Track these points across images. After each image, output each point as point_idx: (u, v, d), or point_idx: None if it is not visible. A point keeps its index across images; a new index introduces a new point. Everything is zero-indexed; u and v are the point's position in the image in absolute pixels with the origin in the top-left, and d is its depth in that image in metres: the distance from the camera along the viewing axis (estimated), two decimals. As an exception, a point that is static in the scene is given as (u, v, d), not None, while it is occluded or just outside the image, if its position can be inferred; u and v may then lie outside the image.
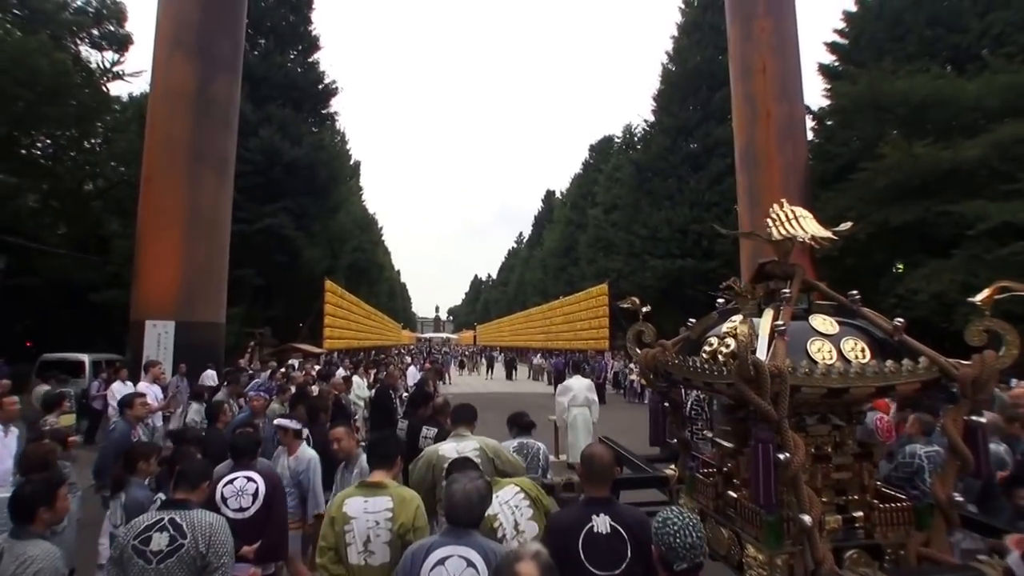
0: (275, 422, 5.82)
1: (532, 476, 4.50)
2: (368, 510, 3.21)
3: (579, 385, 11.40)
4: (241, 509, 4.00)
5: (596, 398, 11.33)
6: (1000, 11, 17.97)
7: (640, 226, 31.37)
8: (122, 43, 24.41)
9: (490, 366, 41.06)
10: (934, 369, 2.67)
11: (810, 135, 20.64)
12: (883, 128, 17.75)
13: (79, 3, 23.91)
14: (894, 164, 16.09)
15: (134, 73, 25.68)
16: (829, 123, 21.30)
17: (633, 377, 24.56)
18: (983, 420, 2.59)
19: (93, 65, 23.71)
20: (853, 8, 22.27)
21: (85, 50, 23.88)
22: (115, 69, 24.25)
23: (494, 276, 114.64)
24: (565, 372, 29.27)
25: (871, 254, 16.87)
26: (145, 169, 16.58)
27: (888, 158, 16.27)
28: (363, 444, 4.81)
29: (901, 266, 16.72)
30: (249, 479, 4.10)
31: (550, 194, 73.18)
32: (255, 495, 4.05)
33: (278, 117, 25.48)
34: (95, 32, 24.02)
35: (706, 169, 29.57)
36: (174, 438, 5.28)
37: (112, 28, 24.24)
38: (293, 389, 9.07)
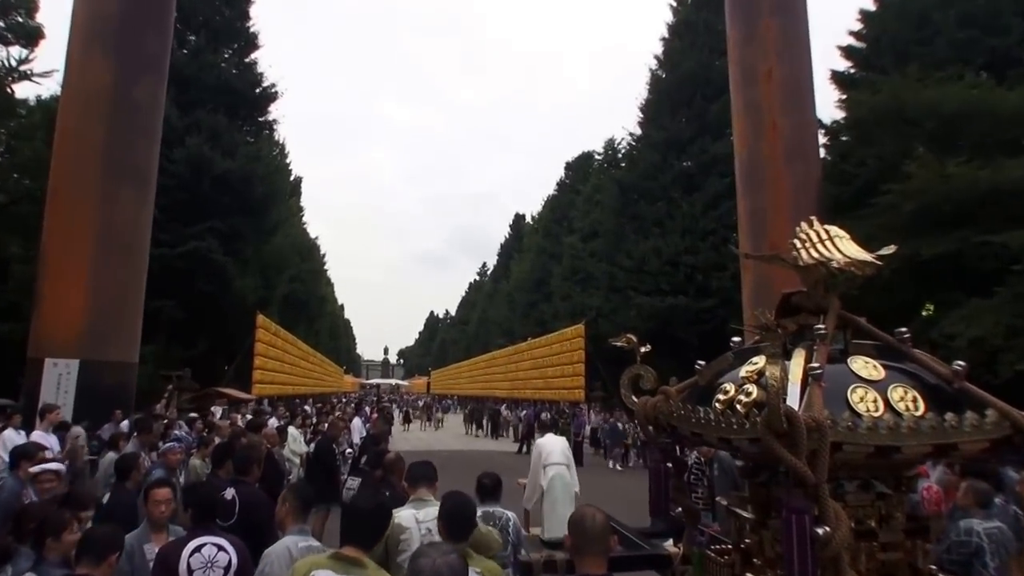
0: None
1: (501, 556, 4.29)
2: None
3: (554, 442, 11.23)
4: None
5: (572, 460, 11.19)
6: (1047, 10, 17.77)
7: (624, 256, 31.57)
8: (31, 36, 24.01)
9: (479, 423, 39.32)
10: (1005, 424, 2.53)
11: (822, 152, 20.85)
12: (908, 144, 17.66)
13: (-17, -10, 23.58)
14: (923, 186, 15.95)
15: (44, 73, 25.20)
16: (844, 138, 21.43)
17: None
18: (1069, 488, 2.45)
19: (-3, 63, 23.32)
20: (871, 6, 22.30)
21: (-11, 44, 23.52)
22: (23, 68, 23.83)
23: (453, 313, 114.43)
24: (534, 427, 29.08)
25: (897, 293, 16.59)
26: (52, 182, 16.37)
27: (915, 179, 16.13)
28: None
29: (931, 307, 16.63)
30: (220, 548, 3.90)
31: (519, 219, 73.75)
32: (227, 568, 3.83)
33: (208, 124, 25.33)
34: (0, 24, 23.64)
35: (701, 190, 29.98)
36: (62, 501, 4.97)
37: (20, 19, 23.89)
38: (216, 441, 8.74)
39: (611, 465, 22.04)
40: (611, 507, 7.56)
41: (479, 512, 4.61)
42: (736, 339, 3.53)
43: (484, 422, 38.30)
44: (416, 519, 3.96)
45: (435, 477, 4.38)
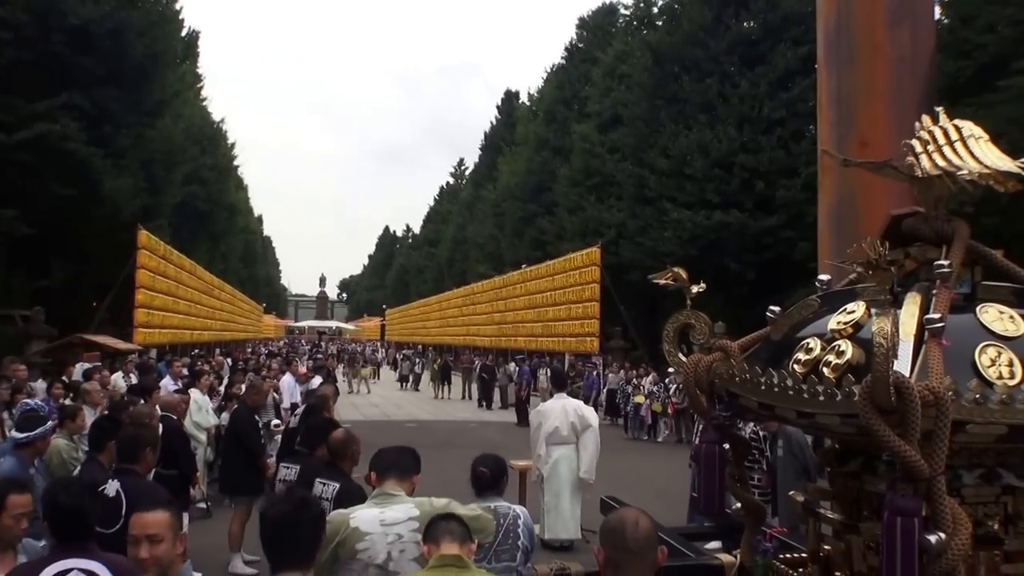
0: None
1: (504, 567, 4.43)
2: None
3: (559, 410, 11.37)
4: None
5: (593, 426, 11.35)
6: None
7: (657, 154, 31.53)
8: None
9: (445, 379, 39.78)
10: None
11: (936, 13, 20.57)
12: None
13: None
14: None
15: None
16: (968, -5, 21.12)
17: (640, 399, 24.75)
18: None
19: None
20: None
21: None
22: None
23: (416, 230, 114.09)
24: (530, 389, 29.38)
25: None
26: None
27: (1061, 52, 16.11)
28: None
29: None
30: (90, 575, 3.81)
31: (511, 98, 72.76)
32: None
33: (56, -54, 24.66)
34: None
35: (767, 63, 29.80)
36: None
37: None
38: (86, 413, 8.81)
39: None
40: (632, 493, 7.76)
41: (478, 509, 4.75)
42: (824, 277, 3.58)
43: (468, 384, 38.49)
44: (381, 521, 4.04)
45: (413, 467, 4.48)
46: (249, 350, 51.01)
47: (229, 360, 28.41)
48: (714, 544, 5.37)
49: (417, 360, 48.89)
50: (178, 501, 6.50)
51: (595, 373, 29.39)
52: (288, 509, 3.36)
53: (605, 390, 28.03)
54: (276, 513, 3.34)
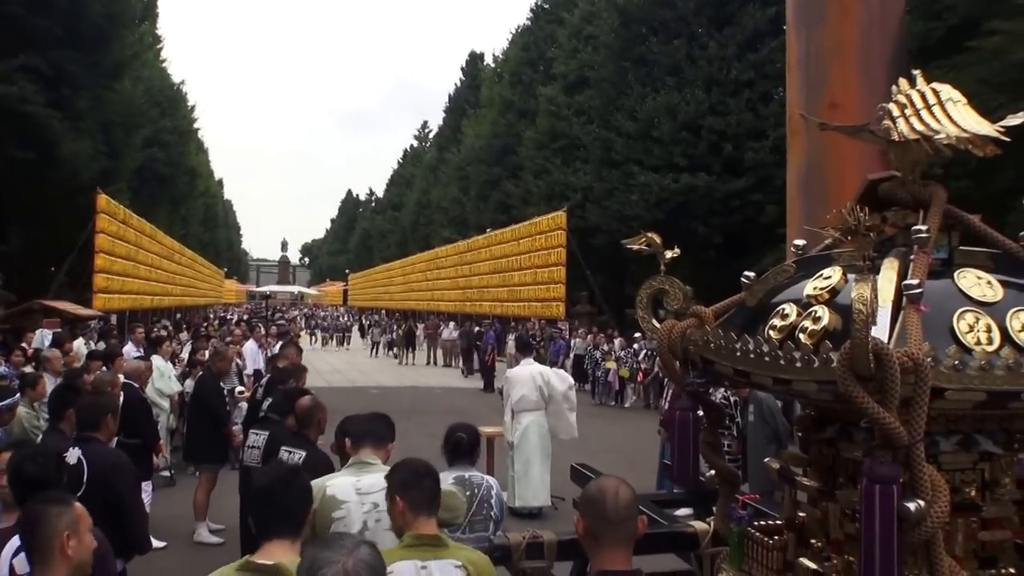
0: None
1: (477, 537, 4.42)
2: None
3: (527, 377, 11.38)
4: None
5: (564, 392, 11.37)
6: None
7: (624, 117, 31.47)
8: None
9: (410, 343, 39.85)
10: None
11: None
12: (1030, -37, 17.48)
13: None
14: (1045, 24, 15.77)
15: None
16: (939, -46, 21.10)
17: (610, 365, 24.87)
18: None
19: None
20: None
21: None
22: None
23: (379, 193, 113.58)
24: (496, 354, 29.37)
25: (995, 173, 16.92)
26: None
27: (1035, 13, 15.94)
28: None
29: (1042, 195, 16.91)
30: None
31: (476, 60, 72.33)
32: None
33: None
34: None
35: (736, 24, 29.75)
36: None
37: None
38: (47, 381, 8.74)
39: None
40: (601, 460, 7.80)
41: (450, 477, 4.72)
42: (799, 241, 3.57)
43: (432, 349, 38.63)
44: (356, 489, 4.03)
45: (387, 434, 4.49)
46: (211, 315, 50.66)
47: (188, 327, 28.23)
48: (685, 511, 5.39)
49: (394, 326, 46.94)
50: (141, 470, 6.50)
51: (561, 339, 29.41)
52: (277, 476, 3.36)
53: (572, 355, 28.15)
54: (265, 480, 3.35)
